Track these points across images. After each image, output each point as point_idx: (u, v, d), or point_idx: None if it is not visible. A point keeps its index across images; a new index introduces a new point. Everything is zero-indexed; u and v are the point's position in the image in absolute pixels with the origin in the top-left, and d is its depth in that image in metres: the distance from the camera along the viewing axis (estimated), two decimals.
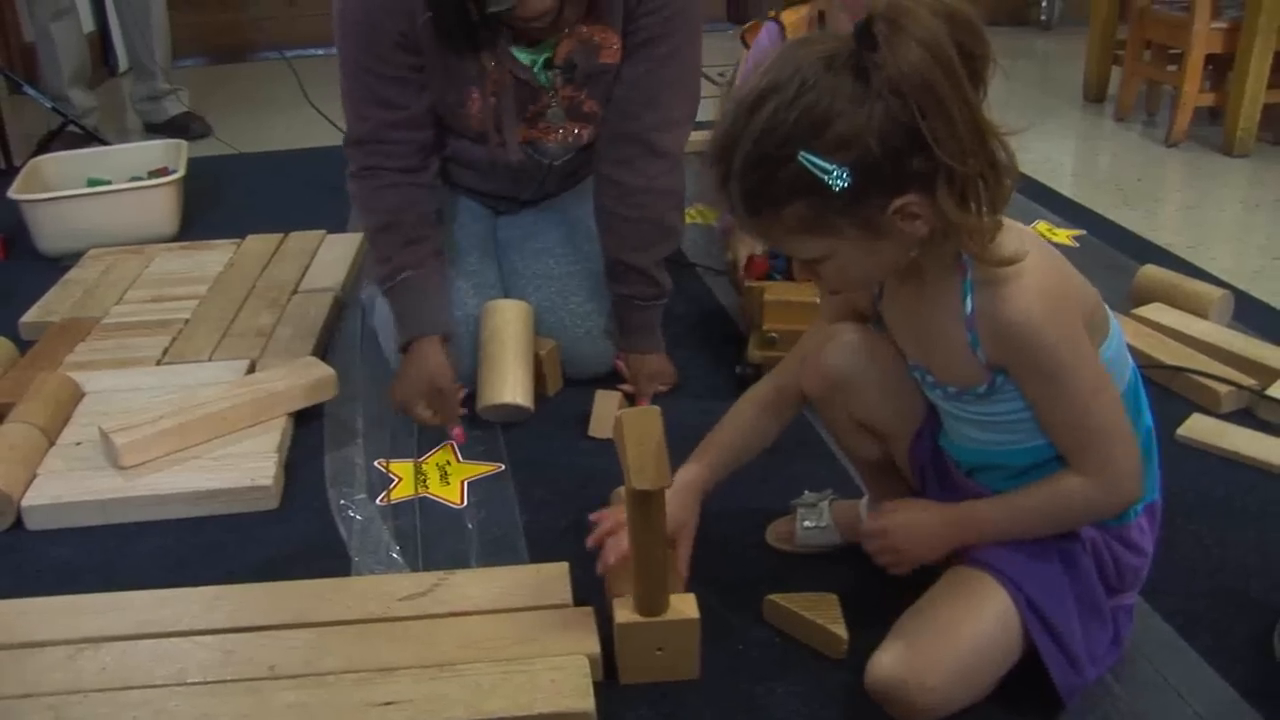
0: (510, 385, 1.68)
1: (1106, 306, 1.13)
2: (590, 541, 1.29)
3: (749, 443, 1.32)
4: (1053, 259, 1.09)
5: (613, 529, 1.27)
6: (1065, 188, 2.85)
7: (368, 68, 1.66)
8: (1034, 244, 1.07)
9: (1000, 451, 1.16)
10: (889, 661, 1.09)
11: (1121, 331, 1.15)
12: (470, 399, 1.72)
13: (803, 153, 0.97)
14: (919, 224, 1.01)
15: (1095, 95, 3.74)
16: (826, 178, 0.97)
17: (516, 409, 1.69)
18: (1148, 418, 1.16)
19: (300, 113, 3.53)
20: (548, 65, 1.70)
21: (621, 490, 1.45)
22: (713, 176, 1.05)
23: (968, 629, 1.10)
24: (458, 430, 1.69)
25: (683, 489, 1.28)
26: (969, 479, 1.22)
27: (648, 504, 1.12)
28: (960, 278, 1.07)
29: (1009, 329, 1.04)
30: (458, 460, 1.66)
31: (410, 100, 1.69)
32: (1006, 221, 1.04)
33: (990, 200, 1.00)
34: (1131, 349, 1.77)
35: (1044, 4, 4.83)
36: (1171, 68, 3.32)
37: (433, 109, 1.72)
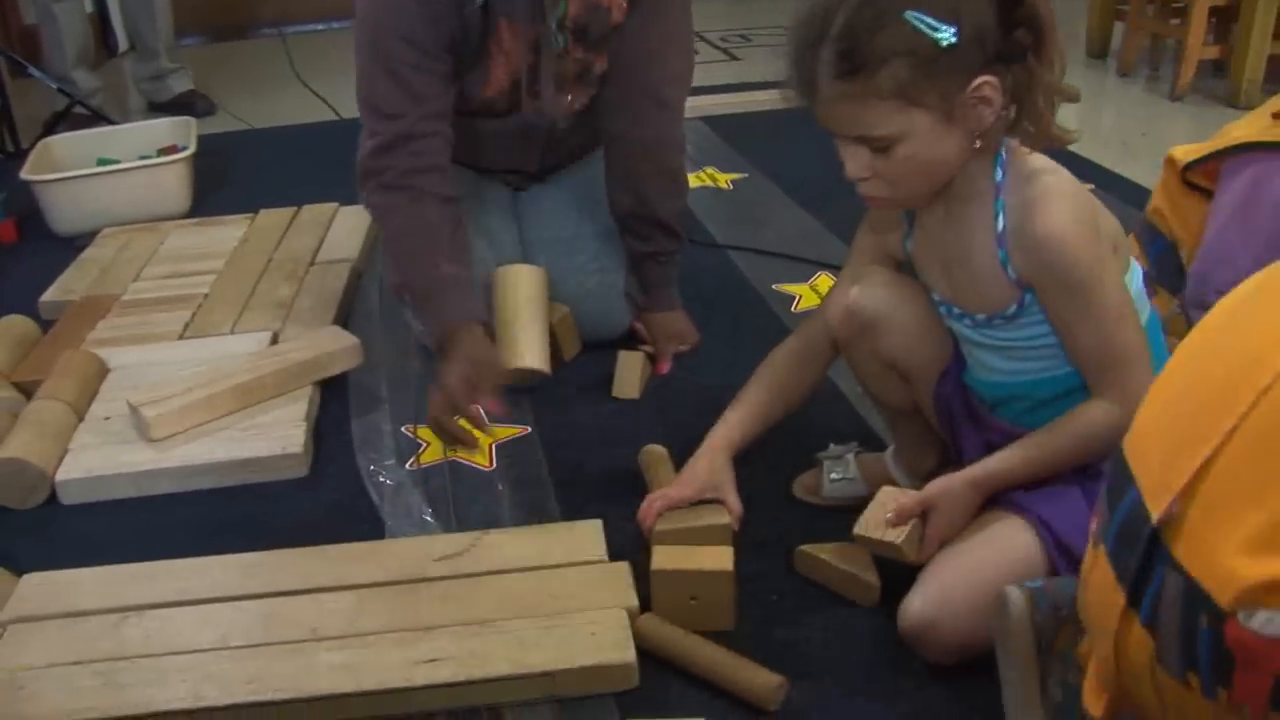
0: (524, 349, 1.68)
1: (1129, 247, 1.15)
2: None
3: (780, 398, 1.33)
4: (1082, 189, 1.13)
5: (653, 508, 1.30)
6: None
7: (412, 63, 1.60)
8: (1066, 176, 1.12)
9: (1024, 382, 1.19)
10: (920, 604, 1.12)
11: (1142, 273, 1.16)
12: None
13: (910, 11, 1.01)
14: (988, 112, 1.06)
15: (1098, 51, 3.73)
16: (935, 34, 1.01)
17: (531, 373, 1.69)
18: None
19: (306, 87, 3.51)
20: (559, 26, 1.69)
21: (650, 449, 1.47)
22: (796, 45, 1.08)
23: (996, 568, 1.11)
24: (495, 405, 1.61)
25: (711, 451, 1.31)
26: (992, 414, 1.24)
27: None
28: (991, 198, 1.11)
29: (1042, 242, 1.08)
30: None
31: (444, 92, 1.65)
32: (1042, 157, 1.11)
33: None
34: None
35: None
36: (1175, 21, 3.31)
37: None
